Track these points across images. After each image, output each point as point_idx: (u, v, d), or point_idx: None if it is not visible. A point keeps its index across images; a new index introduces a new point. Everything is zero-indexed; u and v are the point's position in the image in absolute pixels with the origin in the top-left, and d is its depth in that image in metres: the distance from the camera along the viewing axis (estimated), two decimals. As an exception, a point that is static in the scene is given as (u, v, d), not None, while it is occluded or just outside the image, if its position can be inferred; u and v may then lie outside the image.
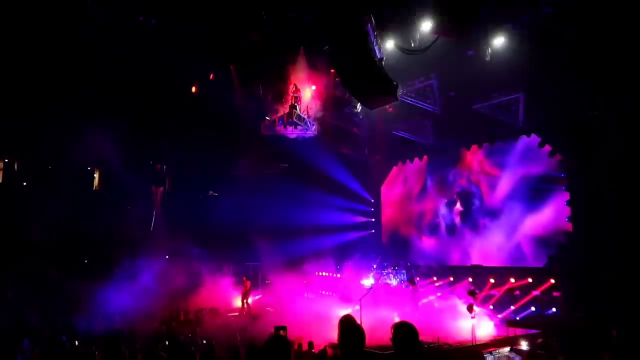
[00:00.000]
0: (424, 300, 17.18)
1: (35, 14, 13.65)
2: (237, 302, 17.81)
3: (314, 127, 16.60)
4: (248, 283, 17.90)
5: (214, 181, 21.10)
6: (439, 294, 18.00)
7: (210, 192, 21.51)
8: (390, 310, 15.40)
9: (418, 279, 19.48)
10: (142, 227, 18.90)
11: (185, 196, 20.02)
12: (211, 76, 17.70)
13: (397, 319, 14.94)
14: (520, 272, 16.77)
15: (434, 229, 21.36)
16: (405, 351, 3.90)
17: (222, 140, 19.21)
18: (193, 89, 17.87)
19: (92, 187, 19.21)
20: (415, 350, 3.92)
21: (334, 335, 12.38)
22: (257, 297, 18.27)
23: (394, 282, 19.65)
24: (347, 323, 3.97)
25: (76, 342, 11.49)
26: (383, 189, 24.10)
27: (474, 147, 19.60)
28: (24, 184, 17.43)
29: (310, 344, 11.20)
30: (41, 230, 15.66)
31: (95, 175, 19.33)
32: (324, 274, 20.70)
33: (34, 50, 14.39)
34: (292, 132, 16.59)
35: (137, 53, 14.92)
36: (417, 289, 17.75)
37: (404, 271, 19.90)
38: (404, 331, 3.92)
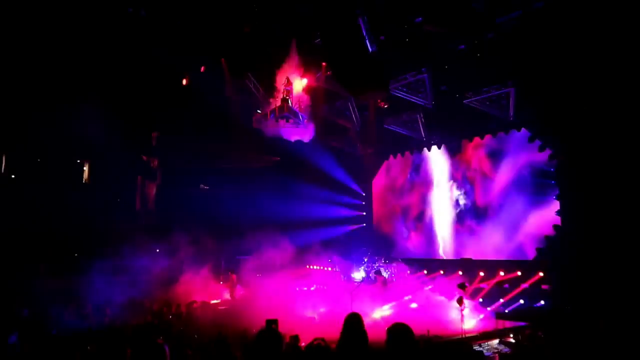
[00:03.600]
0: (407, 298, 17.23)
1: (20, 3, 13.38)
2: (226, 296, 17.79)
3: (306, 120, 16.56)
4: (234, 277, 17.87)
5: (205, 174, 20.99)
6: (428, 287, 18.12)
7: (201, 186, 21.39)
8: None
9: (409, 271, 19.58)
10: (132, 221, 18.72)
11: (176, 189, 19.88)
12: (202, 68, 17.53)
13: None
14: (510, 265, 16.86)
15: (424, 224, 21.40)
16: (401, 354, 3.85)
17: (213, 133, 19.09)
18: (184, 82, 17.68)
19: (82, 180, 19.00)
20: (411, 352, 3.88)
21: (324, 329, 12.57)
22: (239, 292, 18.27)
23: (385, 275, 19.75)
24: (353, 322, 4.00)
25: (66, 336, 11.26)
26: (374, 182, 24.15)
27: (475, 140, 19.45)
28: (12, 176, 17.21)
29: (296, 338, 11.13)
30: (30, 223, 15.53)
31: (84, 168, 19.11)
32: (315, 267, 20.69)
33: (19, 43, 14.13)
34: (283, 127, 16.53)
35: (127, 45, 14.73)
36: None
37: (394, 264, 20.00)
38: (399, 334, 3.90)
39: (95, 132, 15.57)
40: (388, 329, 3.95)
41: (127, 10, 14.27)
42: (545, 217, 16.49)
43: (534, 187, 17.13)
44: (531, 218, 17.00)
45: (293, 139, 17.30)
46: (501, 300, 16.14)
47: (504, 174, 18.16)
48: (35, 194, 15.72)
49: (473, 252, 18.75)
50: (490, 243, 18.10)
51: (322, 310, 15.74)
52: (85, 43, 14.48)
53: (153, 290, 15.61)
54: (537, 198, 16.97)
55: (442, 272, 18.65)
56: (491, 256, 17.94)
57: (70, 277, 14.93)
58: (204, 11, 14.76)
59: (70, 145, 16.88)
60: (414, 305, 16.78)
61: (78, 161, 18.98)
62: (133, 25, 14.58)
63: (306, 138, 17.36)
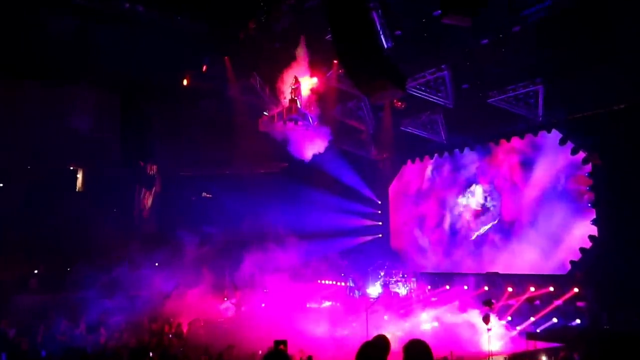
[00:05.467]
0: (427, 315, 16.30)
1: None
2: (229, 313, 17.15)
3: (316, 122, 15.87)
4: (238, 293, 17.34)
5: (207, 181, 20.52)
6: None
7: (204, 194, 20.89)
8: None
9: (429, 286, 18.63)
10: (129, 231, 18.21)
11: (176, 198, 19.51)
12: (204, 68, 17.01)
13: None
14: (541, 280, 15.92)
15: (446, 235, 20.15)
16: None
17: (216, 137, 18.61)
18: (184, 82, 17.16)
19: (75, 188, 18.52)
20: None
21: (337, 350, 11.76)
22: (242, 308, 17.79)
23: (402, 290, 18.66)
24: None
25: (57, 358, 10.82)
26: (391, 190, 23.08)
27: (504, 144, 18.34)
28: (1, 185, 16.73)
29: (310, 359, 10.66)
30: (20, 235, 15.04)
31: (78, 175, 18.61)
32: (327, 282, 20.06)
33: (12, 41, 13.65)
34: (292, 129, 15.83)
35: (123, 43, 14.28)
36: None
37: (413, 279, 18.97)
38: (416, 352, 3.83)
39: (90, 137, 15.12)
40: (405, 346, 3.89)
41: (124, 5, 13.66)
42: (589, 227, 15.35)
43: (574, 195, 15.92)
44: (575, 230, 15.71)
45: (308, 156, 16.50)
46: (532, 319, 15.26)
47: (538, 181, 16.93)
48: (26, 203, 15.33)
49: (502, 266, 17.62)
50: (525, 258, 16.86)
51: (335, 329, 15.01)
52: (78, 41, 13.94)
53: (151, 306, 15.03)
54: (578, 206, 15.77)
55: (465, 287, 17.63)
56: (523, 271, 16.77)
57: (61, 293, 14.49)
58: (206, 7, 14.22)
59: (62, 151, 16.37)
60: (434, 324, 15.92)
61: (71, 168, 18.45)
62: (130, 22, 14.02)
63: (321, 148, 16.62)
